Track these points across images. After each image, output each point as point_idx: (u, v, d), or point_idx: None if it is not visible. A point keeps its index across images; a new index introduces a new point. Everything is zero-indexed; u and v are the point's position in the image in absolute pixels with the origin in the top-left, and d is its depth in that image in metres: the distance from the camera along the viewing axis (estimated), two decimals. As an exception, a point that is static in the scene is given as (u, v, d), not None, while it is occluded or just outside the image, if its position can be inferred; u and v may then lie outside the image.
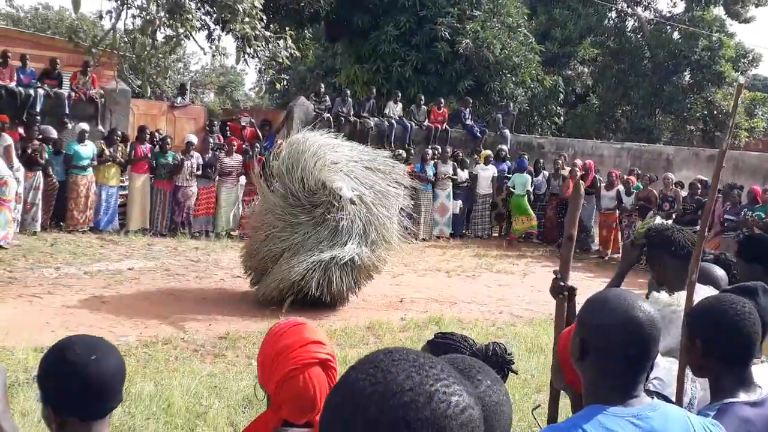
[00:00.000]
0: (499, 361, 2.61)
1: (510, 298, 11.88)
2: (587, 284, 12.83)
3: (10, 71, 15.33)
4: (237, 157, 15.53)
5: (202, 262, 12.82)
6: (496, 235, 18.38)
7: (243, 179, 15.61)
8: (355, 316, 9.99)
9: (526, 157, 18.18)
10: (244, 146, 16.20)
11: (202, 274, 11.97)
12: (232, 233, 15.33)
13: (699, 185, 15.52)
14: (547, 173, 17.87)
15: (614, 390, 2.09)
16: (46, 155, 13.69)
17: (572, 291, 3.15)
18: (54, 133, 14.15)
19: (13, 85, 15.07)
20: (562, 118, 28.49)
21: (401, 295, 11.48)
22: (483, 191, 17.81)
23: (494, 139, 19.76)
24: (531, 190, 17.23)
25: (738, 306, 2.53)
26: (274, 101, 33.76)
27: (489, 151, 18.33)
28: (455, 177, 17.40)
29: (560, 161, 17.77)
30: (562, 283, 3.16)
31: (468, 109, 20.02)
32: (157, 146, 15.01)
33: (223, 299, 10.52)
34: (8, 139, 12.90)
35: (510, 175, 17.79)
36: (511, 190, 17.24)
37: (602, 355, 2.11)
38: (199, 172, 15.08)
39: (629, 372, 2.10)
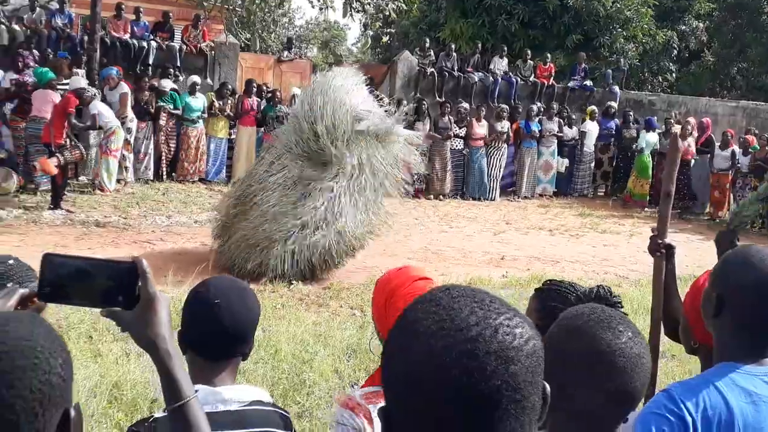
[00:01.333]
0: (606, 303, 2.57)
1: (615, 259, 11.62)
2: (696, 246, 12.46)
3: (125, 24, 15.80)
4: (341, 111, 15.60)
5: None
6: (602, 194, 17.96)
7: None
8: (455, 271, 9.98)
9: (655, 118, 17.51)
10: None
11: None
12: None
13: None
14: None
15: (749, 348, 2.03)
16: (170, 106, 14.10)
17: (670, 249, 3.05)
18: (168, 86, 14.50)
19: (126, 37, 15.55)
20: (674, 75, 27.40)
21: (502, 252, 11.38)
22: (589, 149, 17.39)
23: (603, 96, 19.18)
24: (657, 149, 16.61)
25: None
26: (377, 56, 33.73)
27: (594, 107, 17.82)
28: (561, 134, 17.04)
29: (672, 119, 17.12)
30: (660, 241, 3.06)
31: (582, 65, 19.44)
32: (265, 99, 15.24)
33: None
34: (125, 88, 13.37)
35: (614, 133, 17.33)
36: (642, 148, 16.63)
37: (738, 313, 2.04)
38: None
39: (765, 331, 2.03)
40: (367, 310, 7.92)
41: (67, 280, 1.41)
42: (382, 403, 2.08)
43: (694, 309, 2.37)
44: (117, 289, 1.42)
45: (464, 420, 1.04)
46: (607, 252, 12.11)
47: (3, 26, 14.74)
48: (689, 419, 1.92)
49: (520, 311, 1.13)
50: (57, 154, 11.30)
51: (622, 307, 2.59)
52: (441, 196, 15.88)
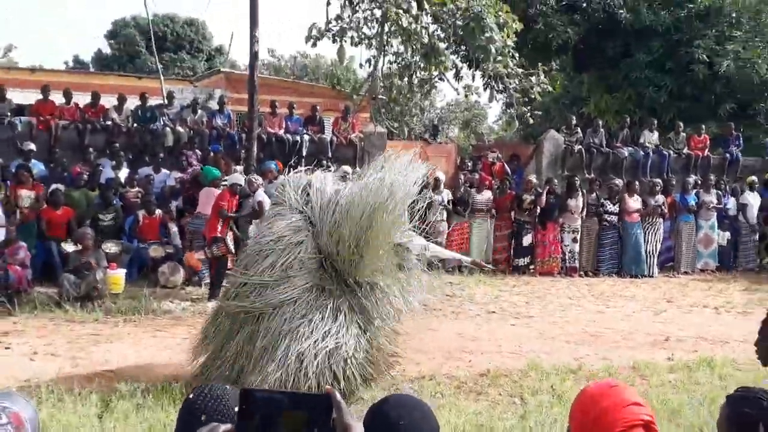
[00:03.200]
0: None
1: (790, 338, 10.83)
2: None
3: (279, 119, 16.64)
4: (487, 193, 15.67)
5: (457, 297, 13.00)
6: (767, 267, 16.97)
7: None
8: (616, 354, 9.61)
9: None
10: (494, 182, 16.34)
11: (458, 309, 12.13)
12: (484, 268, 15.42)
13: None
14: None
15: None
16: None
17: None
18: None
19: (281, 132, 16.35)
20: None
21: (666, 333, 10.89)
22: (750, 220, 16.55)
23: (762, 165, 18.29)
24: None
25: None
26: (519, 132, 33.75)
27: (754, 177, 17.01)
28: (720, 206, 16.33)
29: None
30: None
31: (733, 135, 18.68)
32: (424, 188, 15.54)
33: (478, 335, 10.57)
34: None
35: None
36: None
37: None
38: (450, 207, 15.36)
39: None
40: (527, 398, 7.74)
41: (265, 414, 1.45)
42: None
43: None
44: (312, 421, 1.45)
45: None
46: (781, 330, 11.31)
47: (168, 128, 15.86)
48: None
49: None
50: (205, 248, 11.94)
51: None
52: (590, 272, 15.51)
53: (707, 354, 9.64)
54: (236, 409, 1.48)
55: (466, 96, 17.38)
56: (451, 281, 14.29)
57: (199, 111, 16.71)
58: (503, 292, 13.54)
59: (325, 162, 15.69)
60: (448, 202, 15.29)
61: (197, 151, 15.49)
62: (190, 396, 2.18)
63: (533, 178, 16.11)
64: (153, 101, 17.17)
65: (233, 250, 11.97)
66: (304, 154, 16.11)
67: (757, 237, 16.73)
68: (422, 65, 13.85)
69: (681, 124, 18.75)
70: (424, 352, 9.40)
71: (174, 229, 13.68)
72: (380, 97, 19.04)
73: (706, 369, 8.96)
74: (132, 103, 16.46)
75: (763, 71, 20.30)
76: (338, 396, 1.48)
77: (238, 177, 12.92)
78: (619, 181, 16.15)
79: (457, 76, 18.86)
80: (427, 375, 8.34)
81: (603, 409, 2.11)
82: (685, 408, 7.42)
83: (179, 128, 15.94)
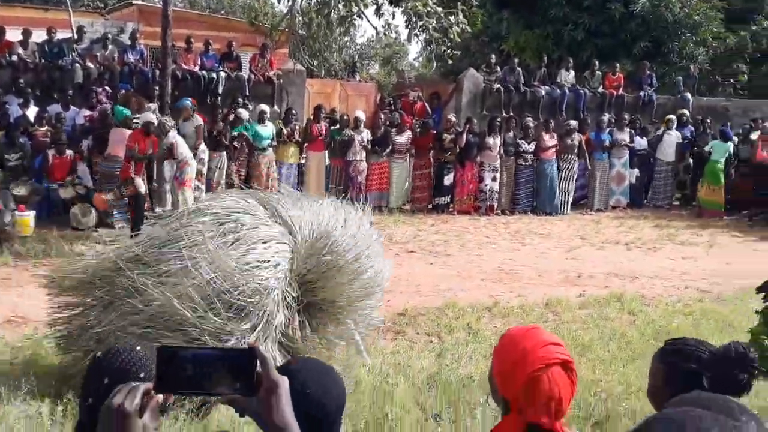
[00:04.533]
0: (743, 361, 2.50)
1: (695, 272, 11.32)
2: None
3: (194, 56, 16.16)
4: (407, 134, 15.65)
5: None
6: (678, 204, 17.54)
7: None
8: (531, 291, 9.86)
9: (729, 125, 17.14)
10: (414, 121, 16.31)
11: (378, 249, 12.18)
12: (403, 207, 15.52)
13: None
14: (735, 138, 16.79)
15: None
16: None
17: None
18: (246, 115, 14.74)
19: (196, 69, 15.90)
20: (746, 77, 26.63)
21: (578, 270, 11.20)
22: (665, 158, 17.01)
23: (675, 103, 18.76)
24: (730, 157, 16.19)
25: None
26: (439, 69, 33.70)
27: (672, 117, 17.44)
28: (632, 144, 16.73)
29: (749, 125, 16.63)
30: None
31: (647, 74, 19.06)
32: (335, 124, 15.42)
33: (398, 275, 10.65)
34: (199, 120, 13.67)
35: (691, 139, 16.98)
36: (707, 155, 16.26)
37: None
38: (369, 146, 15.30)
39: None
40: (444, 336, 7.88)
41: (184, 370, 1.41)
42: None
43: None
44: (234, 376, 1.42)
45: None
46: (687, 265, 11.80)
47: (77, 64, 15.23)
48: None
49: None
50: (115, 189, 11.71)
51: (756, 363, 2.51)
52: (507, 211, 15.77)
53: (617, 290, 9.98)
54: (154, 367, 1.43)
55: (385, 35, 17.18)
56: (370, 221, 14.30)
57: (110, 46, 16.06)
58: (422, 232, 13.65)
59: (241, 100, 15.42)
60: (368, 141, 15.22)
61: (107, 88, 14.95)
62: (98, 355, 2.11)
63: (452, 116, 16.15)
64: (61, 35, 16.43)
65: (145, 191, 11.72)
66: (221, 92, 15.74)
67: (672, 175, 17.22)
68: (342, 1, 13.57)
69: (597, 63, 19.03)
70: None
71: (84, 169, 13.27)
72: (299, 32, 18.69)
73: (616, 304, 9.28)
74: (38, 36, 15.70)
75: (677, 10, 20.67)
76: (262, 350, 1.44)
77: (149, 116, 12.55)
78: (534, 120, 16.33)
79: (378, 13, 18.64)
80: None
81: (523, 350, 2.17)
82: (595, 343, 7.69)
83: (89, 64, 15.32)
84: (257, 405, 1.44)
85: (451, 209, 15.61)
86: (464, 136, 15.34)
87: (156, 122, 12.02)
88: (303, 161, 15.32)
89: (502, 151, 15.63)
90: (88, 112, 14.24)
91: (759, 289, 6.63)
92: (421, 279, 10.35)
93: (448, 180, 15.59)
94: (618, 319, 8.71)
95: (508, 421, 2.19)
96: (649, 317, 8.78)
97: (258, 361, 1.43)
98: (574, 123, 16.40)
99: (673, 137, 16.93)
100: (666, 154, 16.94)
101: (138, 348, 2.10)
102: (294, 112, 15.40)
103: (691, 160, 17.07)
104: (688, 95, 19.07)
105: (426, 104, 17.49)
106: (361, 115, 15.64)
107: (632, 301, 9.39)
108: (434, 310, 8.75)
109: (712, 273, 11.22)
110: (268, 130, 14.64)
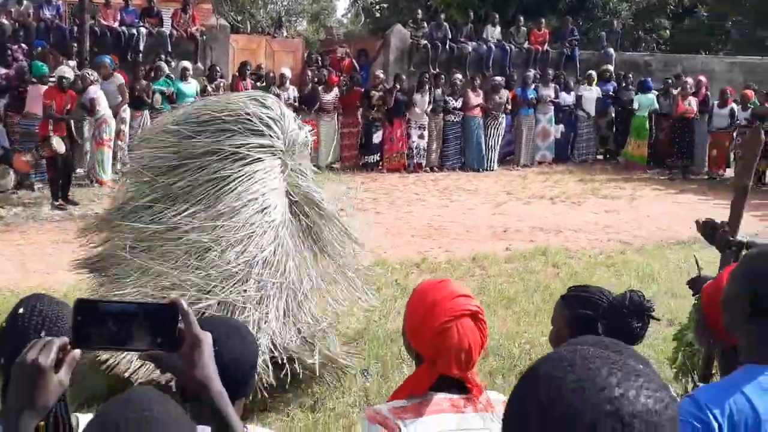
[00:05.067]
0: (639, 310, 2.55)
1: (618, 225, 11.60)
2: (699, 207, 12.40)
3: (114, 11, 15.65)
4: (335, 91, 15.50)
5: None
6: (600, 158, 17.88)
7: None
8: (459, 247, 9.97)
9: (650, 79, 17.47)
10: (342, 78, 16.16)
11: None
12: (333, 166, 15.43)
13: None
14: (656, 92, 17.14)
15: None
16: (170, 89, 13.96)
17: (742, 246, 2.99)
18: (166, 68, 14.35)
19: (116, 25, 15.41)
20: (668, 31, 27.17)
21: (505, 225, 11.36)
22: (587, 114, 17.28)
23: (598, 59, 19.03)
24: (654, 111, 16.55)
25: None
26: (368, 26, 33.47)
27: (593, 72, 17.69)
28: (557, 100, 16.93)
29: (670, 80, 16.99)
30: (731, 238, 3.01)
31: (570, 29, 19.26)
32: (261, 81, 15.15)
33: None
34: (120, 78, 13.27)
35: (613, 95, 17.27)
36: (634, 110, 16.58)
37: (763, 312, 1.99)
38: (296, 104, 15.09)
39: None
40: (373, 292, 7.90)
41: (103, 324, 1.36)
42: (411, 420, 2.07)
43: (715, 304, 2.34)
44: (156, 331, 1.38)
45: None
46: (610, 218, 12.07)
47: (-10, 21, 14.61)
48: (715, 424, 1.88)
49: (654, 373, 1.11)
50: (33, 150, 11.37)
51: (653, 311, 2.57)
52: (436, 168, 15.85)
53: (542, 243, 10.17)
54: (71, 320, 1.37)
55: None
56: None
57: (25, 2, 15.41)
58: (351, 190, 13.59)
59: (163, 57, 15.02)
60: (294, 99, 15.02)
61: (23, 45, 14.38)
62: (20, 310, 2.02)
63: (380, 73, 16.07)
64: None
65: (64, 151, 11.38)
66: (141, 48, 15.30)
67: (594, 130, 17.51)
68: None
69: (522, 19, 19.13)
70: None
71: (1, 128, 12.79)
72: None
73: (541, 258, 9.46)
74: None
75: (601, -35, 20.88)
76: (185, 305, 1.40)
77: (64, 69, 12.14)
78: (460, 77, 16.36)
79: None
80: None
81: (432, 302, 2.17)
82: (520, 295, 7.84)
83: (3, 20, 14.68)
84: (179, 361, 1.41)
85: (380, 167, 15.60)
86: (393, 93, 15.28)
87: (70, 76, 11.66)
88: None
89: (429, 108, 15.63)
90: (3, 70, 13.68)
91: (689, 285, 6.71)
92: (350, 237, 10.33)
93: (376, 138, 15.54)
94: (543, 272, 8.88)
95: (420, 372, 2.20)
96: (572, 269, 8.98)
97: (180, 317, 1.40)
98: (500, 79, 16.49)
99: (594, 92, 17.19)
100: (588, 109, 17.21)
101: (57, 301, 2.03)
102: (218, 69, 15.09)
103: (613, 115, 17.38)
104: (611, 50, 19.38)
105: (354, 61, 17.35)
106: (288, 72, 15.42)
107: (556, 254, 9.58)
108: (362, 268, 8.76)
109: (634, 225, 11.51)
110: (191, 87, 14.31)
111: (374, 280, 8.27)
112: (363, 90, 15.66)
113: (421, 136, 15.63)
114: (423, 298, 2.21)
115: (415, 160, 15.65)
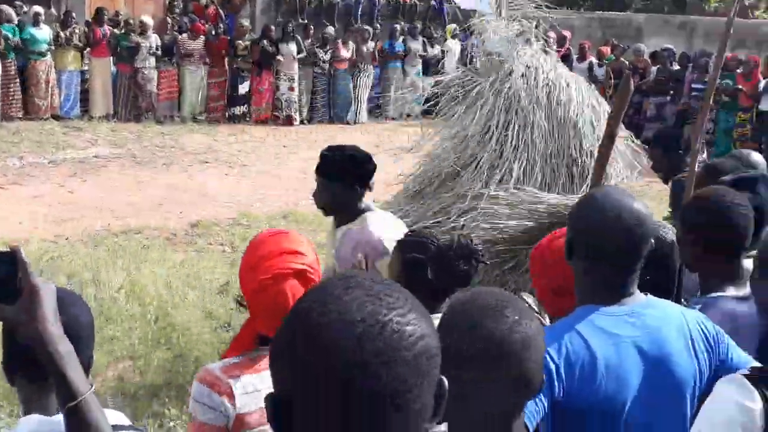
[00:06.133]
0: (465, 253, 2.59)
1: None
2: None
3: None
4: (199, 40, 14.99)
5: (168, 148, 12.60)
6: (467, 111, 18.15)
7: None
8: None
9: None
10: (207, 27, 15.64)
11: (170, 160, 11.78)
12: (197, 117, 15.00)
13: (665, 54, 15.38)
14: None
15: (606, 289, 2.05)
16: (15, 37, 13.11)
17: None
18: (14, 16, 13.47)
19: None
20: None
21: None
22: (452, 67, 17.44)
23: (466, 12, 19.21)
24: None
25: (729, 198, 2.48)
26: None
27: (455, 25, 17.87)
28: (425, 53, 17.03)
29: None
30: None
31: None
32: (119, 28, 14.46)
33: (192, 186, 10.39)
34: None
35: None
36: None
37: (591, 256, 2.06)
38: (159, 53, 14.53)
39: (620, 272, 2.05)
40: (238, 245, 7.80)
41: None
42: (245, 377, 2.03)
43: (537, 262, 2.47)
44: None
45: (347, 416, 1.01)
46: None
47: None
48: (552, 366, 1.91)
49: (420, 307, 1.08)
50: None
51: (480, 254, 2.61)
52: (305, 121, 15.70)
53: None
54: None
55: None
56: (162, 131, 13.77)
57: None
58: (217, 142, 13.33)
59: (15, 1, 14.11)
60: (157, 48, 14.45)
61: None
62: None
63: (246, 22, 15.66)
64: None
65: None
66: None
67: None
68: None
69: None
70: (133, 204, 9.10)
71: None
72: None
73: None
74: None
75: None
76: (23, 254, 1.33)
77: None
78: (331, 29, 16.19)
79: None
80: (134, 228, 8.09)
81: (259, 257, 2.11)
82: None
83: None
84: (18, 313, 1.34)
85: (247, 119, 15.29)
86: (260, 43, 14.94)
87: None
88: (86, 68, 14.33)
89: (298, 60, 15.40)
90: None
91: None
92: (217, 190, 10.15)
93: (243, 89, 15.21)
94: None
95: (246, 327, 2.16)
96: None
97: (19, 267, 1.32)
98: (368, 31, 16.41)
99: (458, 46, 17.37)
100: (451, 63, 17.37)
101: None
102: (73, 14, 14.29)
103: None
104: (477, 5, 19.58)
105: (219, 9, 16.82)
106: (149, 20, 14.78)
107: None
108: (228, 221, 8.64)
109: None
110: (44, 33, 13.50)
111: (239, 233, 8.17)
112: (229, 39, 15.22)
113: (290, 88, 15.39)
114: (253, 251, 2.14)
115: (284, 113, 15.43)
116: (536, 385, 1.55)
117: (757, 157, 3.99)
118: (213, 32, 15.27)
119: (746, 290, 2.38)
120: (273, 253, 2.08)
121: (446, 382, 1.09)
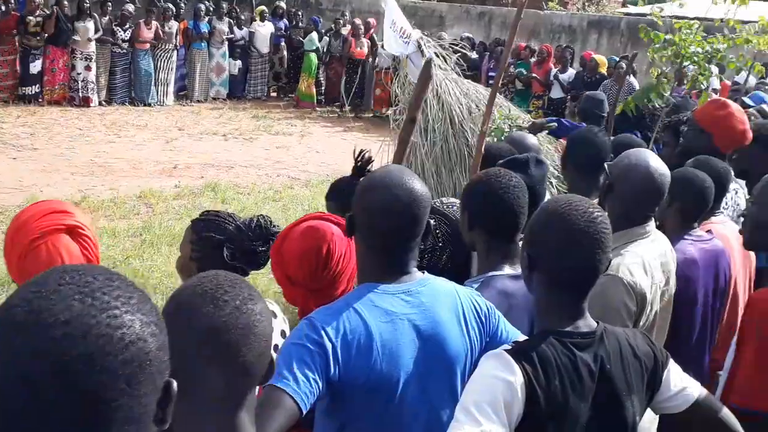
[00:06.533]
0: (264, 234, 2.61)
1: (287, 161, 11.87)
2: (363, 143, 13.06)
3: None
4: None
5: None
6: (274, 95, 18.05)
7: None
8: (124, 184, 9.57)
9: (320, 18, 17.94)
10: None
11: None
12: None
13: (467, 43, 16.02)
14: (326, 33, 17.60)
15: (384, 268, 2.08)
16: None
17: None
18: None
19: None
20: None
21: (175, 161, 11.11)
22: (261, 50, 17.27)
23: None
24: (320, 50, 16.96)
25: (503, 180, 2.58)
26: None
27: (264, 7, 17.70)
28: (231, 35, 16.73)
29: (341, 20, 17.52)
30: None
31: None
32: None
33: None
34: None
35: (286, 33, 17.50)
36: (305, 49, 16.88)
37: (369, 234, 2.10)
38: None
39: (395, 250, 2.09)
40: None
41: None
42: None
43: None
44: None
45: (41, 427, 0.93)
46: (280, 154, 12.31)
47: None
48: (329, 345, 1.90)
49: (145, 298, 1.02)
50: None
51: (273, 236, 2.63)
52: (103, 102, 14.98)
53: (213, 179, 10.11)
54: None
55: None
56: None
57: None
58: (6, 124, 12.47)
59: None
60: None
61: None
62: None
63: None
64: None
65: None
66: None
67: (268, 66, 17.59)
68: None
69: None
70: None
71: None
72: None
73: (210, 194, 9.44)
74: None
75: None
76: None
77: None
78: (130, 6, 15.50)
79: None
80: None
81: (22, 222, 2.05)
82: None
83: None
84: None
85: (40, 100, 14.35)
86: (53, 19, 14.04)
87: None
88: None
89: (96, 37, 14.63)
90: None
91: None
92: (3, 175, 9.50)
93: (35, 68, 14.25)
94: (211, 207, 8.81)
95: None
96: (242, 204, 9.05)
97: None
98: (172, 9, 15.86)
99: (266, 28, 17.22)
100: (261, 46, 17.22)
101: None
102: None
103: (285, 53, 17.57)
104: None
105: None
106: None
107: (226, 190, 9.61)
108: (14, 207, 8.10)
109: (302, 161, 11.86)
110: None
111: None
112: (19, 15, 14.18)
113: (87, 68, 14.60)
114: (15, 221, 2.06)
115: (80, 94, 14.62)
116: (257, 373, 1.49)
117: (533, 140, 4.26)
118: (2, 8, 14.18)
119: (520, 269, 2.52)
120: (37, 215, 2.02)
121: (174, 386, 1.05)
